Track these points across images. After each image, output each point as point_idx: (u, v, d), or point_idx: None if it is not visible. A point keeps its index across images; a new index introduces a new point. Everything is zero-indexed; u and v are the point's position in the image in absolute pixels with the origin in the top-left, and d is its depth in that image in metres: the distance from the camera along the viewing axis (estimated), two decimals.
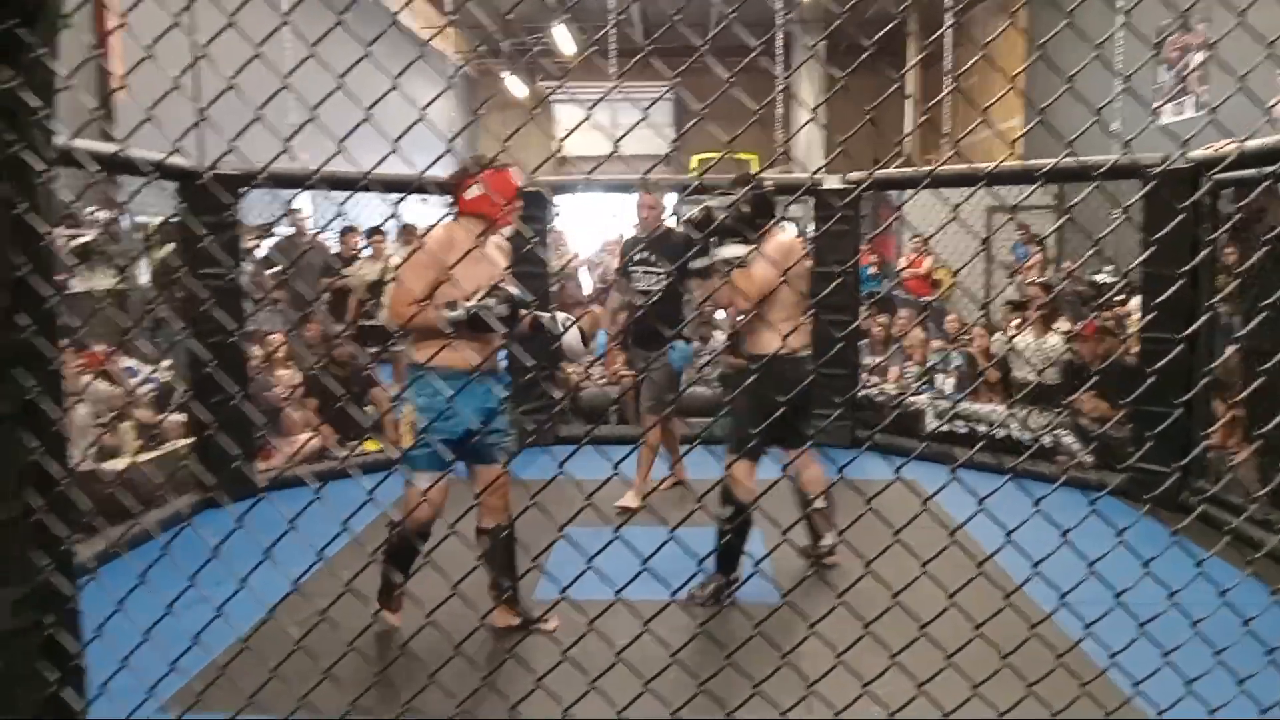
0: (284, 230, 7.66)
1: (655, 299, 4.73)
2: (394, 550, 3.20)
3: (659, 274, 4.79)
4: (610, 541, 1.56)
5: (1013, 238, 8.87)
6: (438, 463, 3.03)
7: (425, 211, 7.84)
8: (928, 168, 4.03)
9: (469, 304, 2.94)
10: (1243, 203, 3.89)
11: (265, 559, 1.59)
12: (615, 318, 5.31)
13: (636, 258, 4.90)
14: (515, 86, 18.21)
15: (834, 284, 2.55)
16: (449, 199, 3.05)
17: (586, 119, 1.35)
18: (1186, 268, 1.77)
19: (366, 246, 7.37)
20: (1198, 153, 4.34)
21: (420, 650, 2.97)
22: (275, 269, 6.98)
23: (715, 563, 3.48)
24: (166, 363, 5.24)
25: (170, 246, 4.91)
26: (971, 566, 1.55)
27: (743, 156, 13.64)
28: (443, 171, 3.00)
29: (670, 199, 6.41)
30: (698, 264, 3.67)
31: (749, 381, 1.84)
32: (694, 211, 3.70)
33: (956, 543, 1.53)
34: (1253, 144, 3.82)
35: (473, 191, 3.04)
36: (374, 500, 1.56)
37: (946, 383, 6.52)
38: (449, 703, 1.64)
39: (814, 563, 3.80)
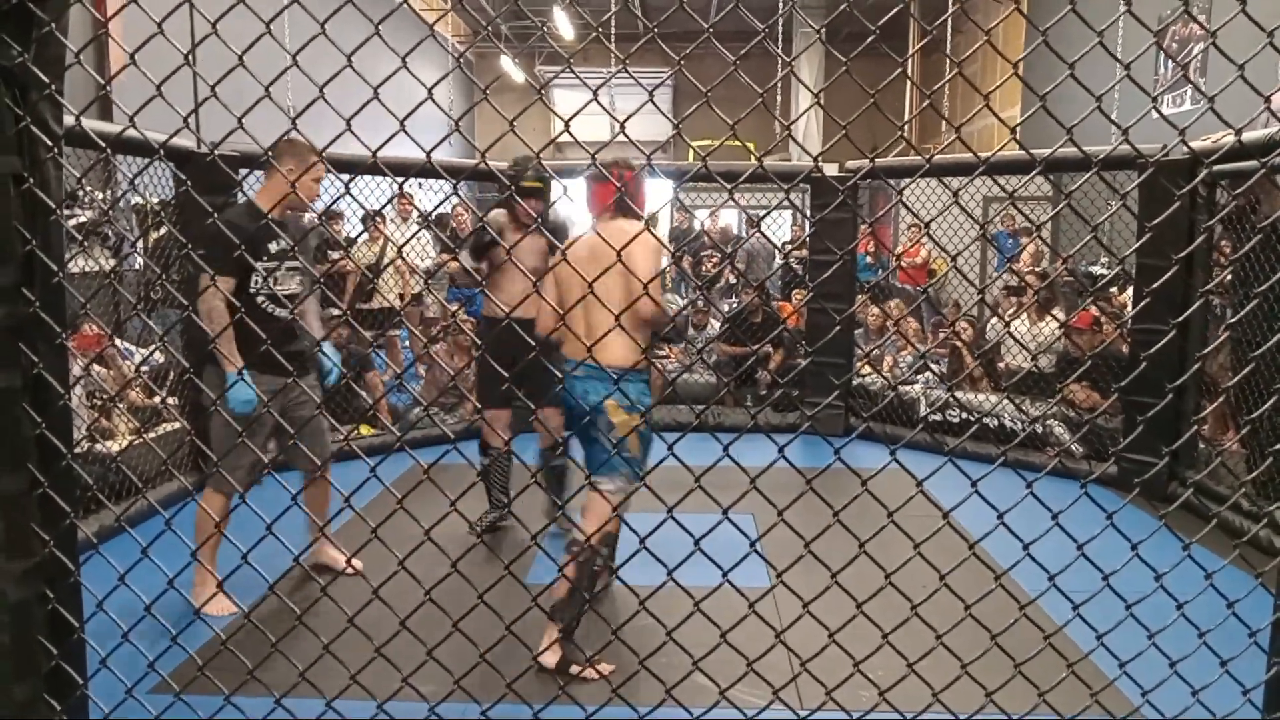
0: None
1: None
2: (592, 573, 2.72)
3: (299, 271, 3.54)
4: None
5: (999, 227, 8.93)
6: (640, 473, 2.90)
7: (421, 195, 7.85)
8: (926, 156, 4.04)
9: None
10: (1238, 191, 3.92)
11: (267, 534, 1.62)
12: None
13: (273, 248, 3.43)
14: (511, 70, 18.14)
15: (831, 269, 2.58)
16: (614, 196, 2.86)
17: (590, 102, 1.36)
18: (1183, 253, 1.79)
19: (363, 232, 7.43)
20: (1196, 144, 4.36)
21: (419, 627, 2.99)
22: None
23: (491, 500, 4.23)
24: (155, 345, 5.24)
25: (165, 229, 4.91)
26: (961, 551, 1.57)
27: (739, 144, 13.61)
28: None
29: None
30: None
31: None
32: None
33: (950, 524, 1.55)
34: (1250, 135, 3.84)
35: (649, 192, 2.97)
36: (377, 478, 1.58)
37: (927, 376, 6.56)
38: (447, 679, 1.67)
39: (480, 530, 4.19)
